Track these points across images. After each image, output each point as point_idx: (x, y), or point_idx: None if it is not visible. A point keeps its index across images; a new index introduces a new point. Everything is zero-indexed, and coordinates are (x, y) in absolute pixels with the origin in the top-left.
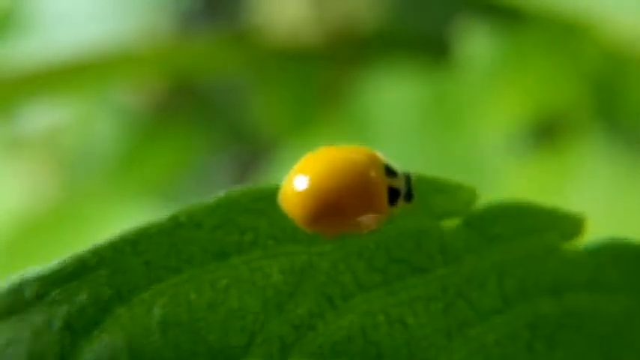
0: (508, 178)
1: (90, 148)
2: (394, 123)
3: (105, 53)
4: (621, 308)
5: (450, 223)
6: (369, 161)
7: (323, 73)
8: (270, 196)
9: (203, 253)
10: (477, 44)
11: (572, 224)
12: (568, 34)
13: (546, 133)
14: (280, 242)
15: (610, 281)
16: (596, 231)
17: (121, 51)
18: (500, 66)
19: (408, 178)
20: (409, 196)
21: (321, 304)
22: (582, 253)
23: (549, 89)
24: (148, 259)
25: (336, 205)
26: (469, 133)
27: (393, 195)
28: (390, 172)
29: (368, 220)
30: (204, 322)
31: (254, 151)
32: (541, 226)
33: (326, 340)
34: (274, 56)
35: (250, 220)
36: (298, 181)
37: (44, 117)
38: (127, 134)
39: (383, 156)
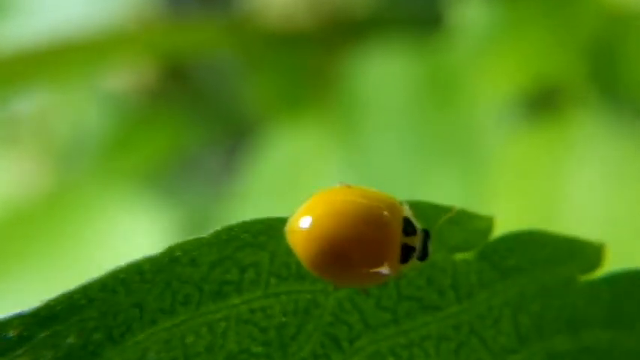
0: (505, 151)
1: (80, 135)
2: (386, 100)
3: (93, 36)
4: (639, 342)
5: (463, 256)
6: (389, 213)
7: (315, 56)
8: (272, 229)
9: (200, 293)
10: (469, 12)
11: (591, 254)
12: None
13: (543, 103)
14: (283, 280)
15: (628, 314)
16: (595, 204)
17: (110, 33)
18: (495, 34)
19: (425, 235)
20: (424, 255)
21: (326, 345)
22: (600, 285)
23: (545, 58)
24: (140, 300)
25: (342, 255)
26: (463, 105)
27: (407, 252)
28: (408, 226)
29: (374, 275)
30: None
31: (245, 137)
32: (559, 257)
33: None
34: (266, 40)
35: (251, 256)
36: (306, 219)
37: (34, 103)
38: (117, 121)
39: (406, 208)
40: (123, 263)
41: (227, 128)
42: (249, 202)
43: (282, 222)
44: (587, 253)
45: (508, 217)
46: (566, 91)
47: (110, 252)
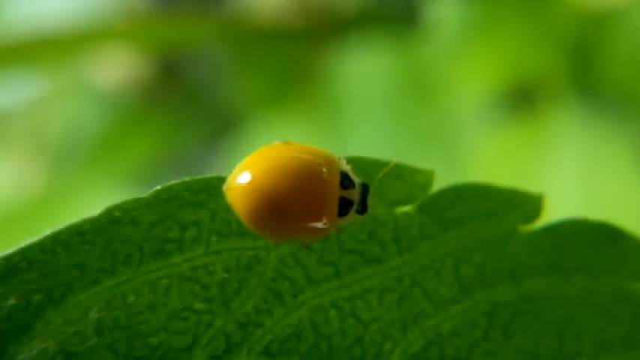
0: (483, 147)
1: (73, 134)
2: (367, 95)
3: (84, 29)
4: (578, 289)
5: (404, 210)
6: (325, 167)
7: (301, 53)
8: (211, 187)
9: (140, 252)
10: (447, 10)
11: (531, 205)
12: None
13: (521, 99)
14: (224, 237)
15: (568, 262)
16: (571, 199)
17: (101, 27)
18: (473, 31)
19: (364, 189)
20: (362, 209)
21: (269, 300)
22: (540, 235)
23: (523, 55)
24: (81, 260)
25: (280, 210)
26: (443, 101)
27: (345, 205)
28: (346, 180)
29: (313, 229)
30: (145, 324)
31: (236, 134)
32: (499, 209)
33: (274, 337)
34: (254, 37)
35: (191, 215)
36: (243, 175)
37: (26, 102)
38: (110, 119)
39: (343, 163)
40: (62, 225)
41: (218, 125)
42: None
43: (222, 180)
44: (528, 204)
45: None
46: (543, 87)
47: None
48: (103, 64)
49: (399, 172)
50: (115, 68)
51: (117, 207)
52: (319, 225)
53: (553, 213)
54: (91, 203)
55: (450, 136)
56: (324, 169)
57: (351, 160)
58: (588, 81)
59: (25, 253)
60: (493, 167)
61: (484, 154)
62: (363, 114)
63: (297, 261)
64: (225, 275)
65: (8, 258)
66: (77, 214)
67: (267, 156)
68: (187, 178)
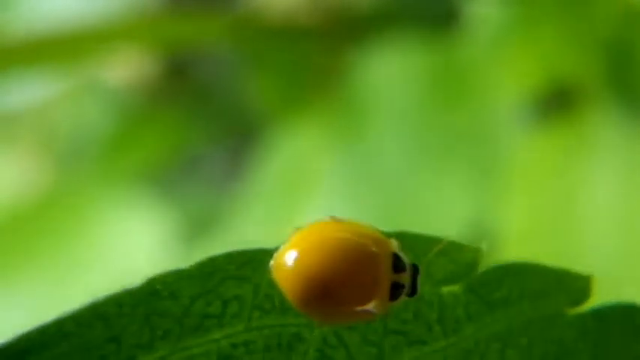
0: (518, 153)
1: (81, 133)
2: (393, 99)
3: (94, 27)
4: None
5: (451, 289)
6: (377, 249)
7: (320, 53)
8: (256, 261)
9: (180, 328)
10: (483, 8)
11: (579, 286)
12: None
13: (559, 103)
14: (266, 313)
15: (614, 349)
16: (612, 208)
17: (111, 25)
18: (509, 31)
19: (415, 270)
20: (413, 292)
21: None
22: (588, 319)
23: (561, 56)
24: (117, 334)
25: (331, 294)
26: (475, 106)
27: (396, 289)
28: (398, 263)
29: (362, 313)
30: None
31: (248, 136)
32: (547, 289)
33: None
34: (269, 36)
35: (234, 289)
36: (292, 254)
37: (33, 100)
38: (118, 119)
39: (394, 243)
40: (101, 296)
41: (230, 127)
42: (252, 203)
43: (266, 253)
44: (576, 284)
45: (521, 222)
46: (583, 91)
47: (110, 252)
48: (112, 63)
49: (446, 248)
50: (124, 67)
51: (158, 279)
52: (368, 309)
53: (591, 222)
54: (99, 203)
55: (483, 143)
56: (377, 253)
57: (399, 236)
58: (630, 84)
59: (61, 326)
60: (529, 174)
61: (519, 160)
62: (388, 120)
63: (340, 340)
64: (267, 355)
65: (43, 331)
66: (85, 214)
67: (317, 235)
68: (232, 250)
